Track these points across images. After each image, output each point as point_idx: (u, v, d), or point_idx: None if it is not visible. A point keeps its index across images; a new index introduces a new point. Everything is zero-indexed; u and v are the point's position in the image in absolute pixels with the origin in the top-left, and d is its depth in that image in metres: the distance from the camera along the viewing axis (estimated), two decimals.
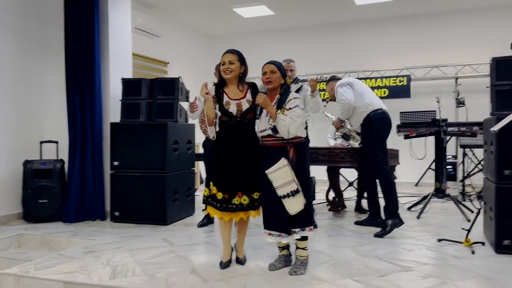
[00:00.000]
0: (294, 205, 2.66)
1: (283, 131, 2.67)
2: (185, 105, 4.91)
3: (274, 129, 2.70)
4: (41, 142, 4.82)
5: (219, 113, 2.84)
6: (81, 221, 4.53)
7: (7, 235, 3.96)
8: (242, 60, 2.90)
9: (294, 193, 2.65)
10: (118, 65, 4.91)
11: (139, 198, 4.40)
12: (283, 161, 2.67)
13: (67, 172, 4.69)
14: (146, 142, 4.41)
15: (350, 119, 4.29)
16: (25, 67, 4.84)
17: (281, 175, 2.65)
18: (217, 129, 2.83)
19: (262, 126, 2.80)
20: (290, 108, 2.72)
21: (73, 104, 4.62)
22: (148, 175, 4.39)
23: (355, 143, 4.62)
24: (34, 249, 3.94)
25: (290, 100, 2.77)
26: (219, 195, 2.83)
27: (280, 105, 2.75)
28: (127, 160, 4.45)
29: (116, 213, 4.48)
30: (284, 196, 2.65)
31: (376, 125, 4.01)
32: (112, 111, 4.77)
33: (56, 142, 4.86)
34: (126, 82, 4.65)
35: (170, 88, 4.60)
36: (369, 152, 4.03)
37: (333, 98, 4.43)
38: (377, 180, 4.12)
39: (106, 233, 4.01)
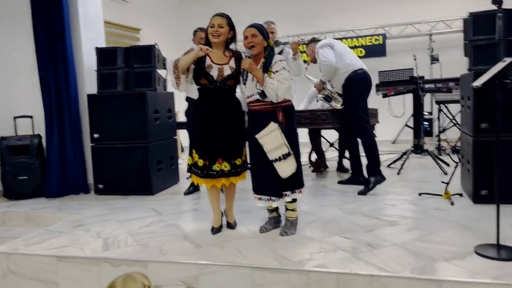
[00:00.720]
0: (285, 168, 2.69)
1: (272, 94, 2.66)
2: (162, 73, 4.81)
3: (262, 94, 2.68)
4: (15, 118, 4.66)
5: (190, 76, 2.80)
6: (65, 196, 4.48)
7: None
8: (231, 25, 2.83)
9: (285, 156, 2.67)
10: (90, 34, 4.72)
11: (122, 170, 4.36)
12: (273, 125, 2.67)
13: (45, 147, 4.58)
14: (125, 112, 4.33)
15: (331, 80, 4.30)
16: None
17: (271, 139, 2.66)
18: (184, 89, 2.81)
19: (249, 91, 2.78)
20: (276, 71, 2.70)
21: (45, 77, 4.45)
22: (131, 146, 4.34)
23: (337, 105, 4.65)
24: (19, 226, 3.89)
25: (276, 62, 2.74)
26: (200, 162, 2.83)
27: (266, 68, 2.72)
28: (108, 131, 4.37)
29: (100, 186, 4.44)
30: (276, 160, 2.68)
31: (357, 85, 4.05)
32: (88, 82, 4.62)
33: (31, 117, 4.70)
34: (100, 52, 4.50)
35: (147, 56, 4.48)
36: (351, 112, 4.08)
37: (314, 60, 4.42)
38: (359, 140, 4.20)
39: (92, 206, 3.99)
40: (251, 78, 2.73)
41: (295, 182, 2.80)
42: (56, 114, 4.47)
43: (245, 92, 2.81)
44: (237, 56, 2.86)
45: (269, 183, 2.76)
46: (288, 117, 2.78)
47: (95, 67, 4.51)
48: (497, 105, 2.24)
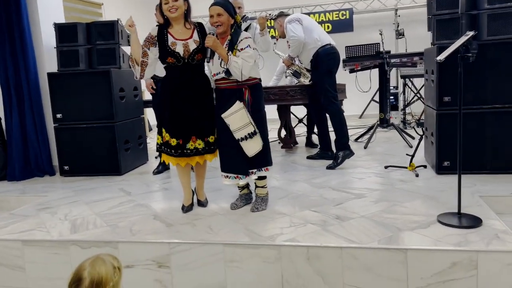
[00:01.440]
0: (252, 147, 2.69)
1: (236, 73, 2.62)
2: (127, 49, 4.65)
3: (227, 72, 2.64)
4: None
5: (154, 58, 2.75)
6: (28, 178, 4.34)
7: None
8: None
9: (251, 135, 2.66)
10: (47, 9, 4.48)
11: (88, 150, 4.25)
12: (238, 104, 2.65)
13: (5, 128, 4.39)
14: (89, 91, 4.19)
15: (300, 56, 4.29)
16: None
17: (237, 118, 2.65)
18: (149, 73, 2.79)
19: (214, 69, 2.73)
20: (242, 49, 2.66)
21: (2, 55, 4.23)
22: (96, 126, 4.22)
23: (306, 80, 4.66)
24: None
25: (241, 40, 2.69)
26: (173, 141, 2.79)
27: (232, 46, 2.67)
28: (71, 111, 4.23)
29: (66, 167, 4.32)
30: (242, 139, 2.67)
31: (325, 60, 4.05)
32: (48, 60, 4.42)
33: None
34: (59, 28, 4.29)
35: (109, 32, 4.31)
36: (319, 88, 4.10)
37: (282, 35, 4.38)
38: (327, 115, 4.24)
39: (58, 188, 3.88)
40: (217, 56, 2.68)
41: (262, 160, 2.80)
42: (15, 94, 4.27)
43: (211, 70, 2.76)
44: (199, 28, 2.80)
45: (235, 161, 2.76)
46: (255, 96, 2.76)
47: (55, 44, 4.31)
48: (460, 78, 2.29)
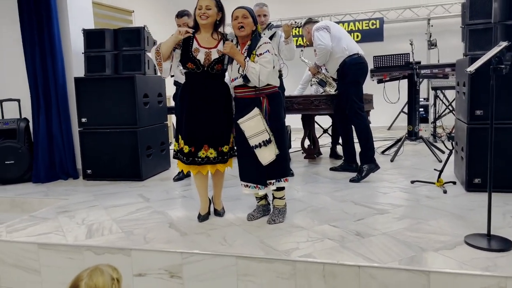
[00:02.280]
0: (265, 155, 2.61)
1: (254, 79, 2.57)
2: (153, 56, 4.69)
3: (245, 78, 2.59)
4: (1, 101, 4.56)
5: (176, 62, 2.73)
6: (52, 181, 4.40)
7: None
8: (219, 6, 2.73)
9: (266, 143, 2.59)
10: (78, 16, 4.58)
11: (111, 155, 4.28)
12: (255, 111, 2.60)
13: (32, 131, 4.49)
14: (114, 96, 4.23)
15: (326, 64, 4.20)
16: None
17: (252, 124, 2.59)
18: (169, 74, 2.76)
19: (233, 75, 2.69)
20: (260, 54, 2.61)
21: (32, 59, 4.33)
22: (119, 131, 4.25)
23: (331, 90, 4.56)
24: (4, 211, 3.82)
25: (260, 45, 2.64)
26: (186, 149, 2.76)
27: (250, 51, 2.63)
28: (96, 116, 4.28)
29: (89, 171, 4.36)
30: (256, 146, 2.60)
31: (352, 70, 3.94)
32: (76, 65, 4.50)
33: (18, 100, 4.60)
34: (88, 34, 4.37)
35: (136, 38, 4.35)
36: (345, 98, 3.99)
37: (309, 42, 4.30)
38: (353, 126, 4.12)
39: (79, 192, 3.92)
40: (235, 61, 2.64)
41: (280, 170, 2.72)
42: (43, 98, 4.36)
43: (230, 76, 2.72)
44: (225, 39, 2.77)
45: (254, 170, 2.69)
46: (274, 105, 2.69)
47: (83, 49, 4.38)
48: (492, 91, 2.15)
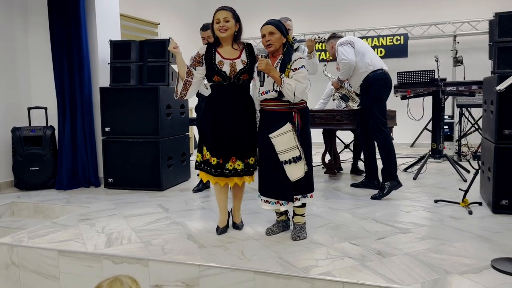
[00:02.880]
0: (295, 172, 2.59)
1: (289, 95, 2.55)
2: (176, 67, 4.76)
3: (280, 93, 2.58)
4: (29, 109, 4.68)
5: (200, 77, 2.74)
6: (75, 188, 4.47)
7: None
8: (236, 18, 2.75)
9: (296, 159, 2.57)
10: (106, 27, 4.69)
11: (133, 164, 4.33)
12: (288, 126, 2.58)
13: (57, 138, 4.59)
14: (137, 106, 4.29)
15: (349, 79, 4.17)
16: (8, 31, 4.63)
17: (284, 140, 2.57)
18: (192, 93, 2.81)
19: (265, 87, 2.65)
20: (295, 69, 2.60)
21: (60, 68, 4.45)
22: (141, 141, 4.30)
23: (354, 105, 4.52)
24: (28, 217, 3.90)
25: (295, 60, 2.63)
26: (213, 160, 2.75)
27: (284, 66, 2.62)
28: (119, 125, 4.34)
29: (110, 180, 4.41)
30: (286, 162, 2.58)
31: (375, 86, 3.90)
32: (101, 75, 4.61)
33: (45, 108, 4.72)
34: (114, 45, 4.46)
35: (161, 50, 4.42)
36: (368, 113, 3.94)
37: (333, 57, 4.29)
38: (375, 142, 4.06)
39: (100, 200, 3.96)
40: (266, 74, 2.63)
41: (307, 186, 2.69)
42: (69, 106, 4.46)
43: (259, 89, 2.69)
44: (248, 48, 2.78)
45: (279, 186, 2.66)
46: (304, 120, 2.68)
47: (109, 60, 4.47)
48: None
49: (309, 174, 2.67)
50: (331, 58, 4.48)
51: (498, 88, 1.99)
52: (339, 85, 4.57)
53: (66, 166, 4.44)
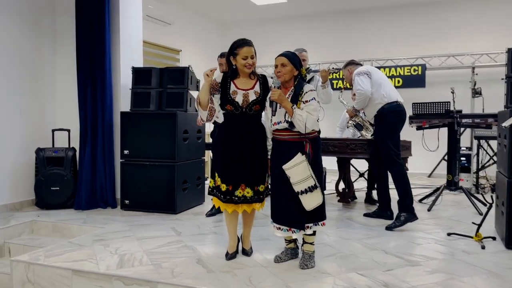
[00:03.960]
0: (311, 201, 2.63)
1: (300, 126, 2.62)
2: (195, 94, 4.91)
3: (291, 124, 2.66)
4: (53, 130, 4.88)
5: (217, 105, 2.84)
6: (92, 209, 4.60)
7: (20, 221, 4.05)
8: (255, 52, 2.86)
9: (311, 188, 2.61)
10: (129, 54, 4.91)
11: (149, 187, 4.43)
12: (300, 157, 2.63)
13: (78, 160, 4.75)
14: (155, 131, 4.43)
15: (364, 109, 4.20)
16: (37, 56, 4.90)
17: (298, 170, 2.61)
18: (215, 117, 2.87)
19: (276, 118, 2.74)
20: (306, 101, 2.67)
21: (84, 92, 4.65)
22: (158, 164, 4.42)
23: (368, 134, 4.55)
24: (46, 235, 4.02)
25: (306, 92, 2.71)
26: (223, 187, 2.82)
27: (295, 97, 2.70)
28: (137, 149, 4.48)
29: (126, 201, 4.52)
30: (302, 192, 2.62)
31: (389, 117, 3.94)
32: (123, 100, 4.79)
33: (68, 130, 4.91)
34: (136, 71, 4.65)
35: (180, 77, 4.59)
36: (382, 144, 3.97)
37: (350, 83, 4.33)
38: (389, 173, 4.06)
39: (116, 221, 4.06)
40: (279, 105, 2.71)
41: (319, 214, 2.73)
42: (90, 129, 4.64)
43: (271, 119, 2.77)
44: (262, 80, 2.87)
45: (291, 213, 2.70)
46: (315, 149, 2.74)
47: (131, 85, 4.65)
48: None
49: (322, 203, 2.70)
50: (348, 85, 4.52)
51: (503, 124, 2.02)
52: (354, 113, 4.62)
53: (85, 186, 4.58)
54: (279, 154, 2.75)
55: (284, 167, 2.65)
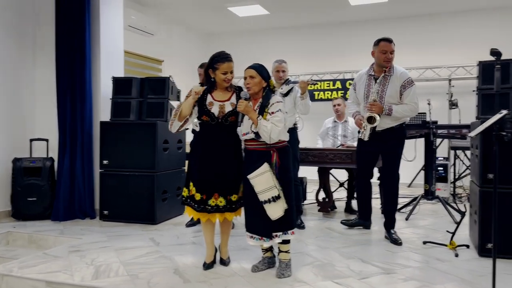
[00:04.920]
0: (275, 211, 2.66)
1: (265, 136, 2.67)
2: (175, 104, 4.92)
3: (257, 134, 2.70)
4: (31, 140, 4.82)
5: (195, 117, 2.89)
6: (70, 220, 4.53)
7: None
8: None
9: (275, 199, 2.65)
10: (110, 64, 4.90)
11: (128, 197, 4.41)
12: (265, 167, 2.67)
13: (56, 170, 4.69)
14: (135, 141, 4.42)
15: (386, 117, 3.75)
16: (15, 64, 4.85)
17: (262, 180, 2.65)
18: (187, 127, 2.95)
19: (245, 129, 2.80)
20: (272, 113, 2.73)
21: (63, 102, 4.62)
22: (138, 174, 4.40)
23: (354, 142, 4.53)
24: (22, 247, 3.95)
25: (273, 104, 2.76)
26: (197, 196, 2.84)
27: (263, 109, 2.75)
28: (117, 159, 4.46)
29: (105, 212, 4.48)
30: (265, 202, 2.65)
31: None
32: (103, 110, 4.77)
33: (47, 140, 4.86)
34: (116, 81, 4.65)
35: (161, 87, 4.60)
36: (397, 156, 3.89)
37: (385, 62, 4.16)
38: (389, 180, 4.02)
39: (93, 232, 4.02)
40: (247, 117, 2.76)
41: (287, 223, 2.75)
42: (69, 139, 4.60)
43: (241, 130, 2.83)
44: (238, 92, 2.92)
45: (260, 222, 2.73)
46: (283, 158, 2.78)
47: (111, 95, 4.64)
48: (495, 156, 2.18)
49: (289, 212, 2.73)
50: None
51: (470, 134, 2.09)
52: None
53: (63, 197, 4.52)
54: (249, 163, 2.79)
55: (248, 176, 2.70)
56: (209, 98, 2.85)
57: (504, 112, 2.07)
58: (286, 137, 2.81)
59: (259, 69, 2.81)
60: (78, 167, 4.60)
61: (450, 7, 7.36)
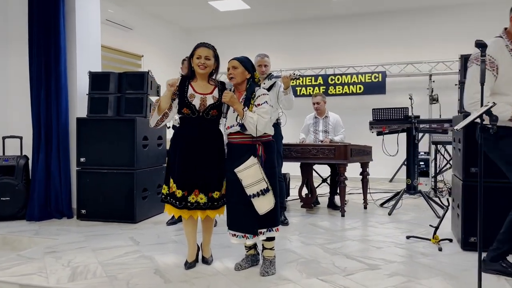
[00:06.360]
0: (263, 205, 2.59)
1: (251, 128, 2.60)
2: (155, 99, 4.80)
3: (242, 127, 2.63)
4: (4, 138, 4.63)
5: (175, 112, 2.80)
6: (46, 220, 4.37)
7: None
8: (216, 56, 2.82)
9: (264, 192, 2.58)
10: (86, 58, 4.74)
11: (106, 196, 4.28)
12: (252, 160, 2.60)
13: (31, 168, 4.52)
14: (114, 137, 4.28)
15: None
16: None
17: (250, 173, 2.58)
18: (166, 123, 2.86)
19: (229, 122, 2.72)
20: (258, 105, 2.66)
21: (37, 97, 4.45)
22: (116, 172, 4.27)
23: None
24: None
25: (258, 96, 2.70)
26: (179, 193, 2.74)
27: (248, 101, 2.68)
28: (94, 156, 4.32)
29: (83, 211, 4.34)
30: (254, 195, 2.58)
31: None
32: (79, 106, 4.61)
33: (20, 138, 4.67)
34: (93, 76, 4.50)
35: (140, 82, 4.47)
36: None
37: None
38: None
39: (70, 232, 3.88)
40: (232, 109, 2.68)
41: (272, 219, 2.69)
42: (44, 136, 4.43)
43: (225, 123, 2.75)
44: (221, 87, 2.83)
45: (244, 219, 2.66)
46: (268, 152, 2.72)
47: (88, 90, 4.49)
48: (480, 149, 2.15)
49: (273, 208, 2.66)
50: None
51: (456, 128, 2.06)
52: None
53: (38, 196, 4.36)
54: (233, 158, 2.72)
55: (236, 170, 2.62)
56: (190, 90, 2.76)
57: (490, 104, 2.05)
58: (271, 131, 2.75)
59: (243, 60, 2.76)
60: (54, 165, 4.43)
61: (430, 2, 7.42)
